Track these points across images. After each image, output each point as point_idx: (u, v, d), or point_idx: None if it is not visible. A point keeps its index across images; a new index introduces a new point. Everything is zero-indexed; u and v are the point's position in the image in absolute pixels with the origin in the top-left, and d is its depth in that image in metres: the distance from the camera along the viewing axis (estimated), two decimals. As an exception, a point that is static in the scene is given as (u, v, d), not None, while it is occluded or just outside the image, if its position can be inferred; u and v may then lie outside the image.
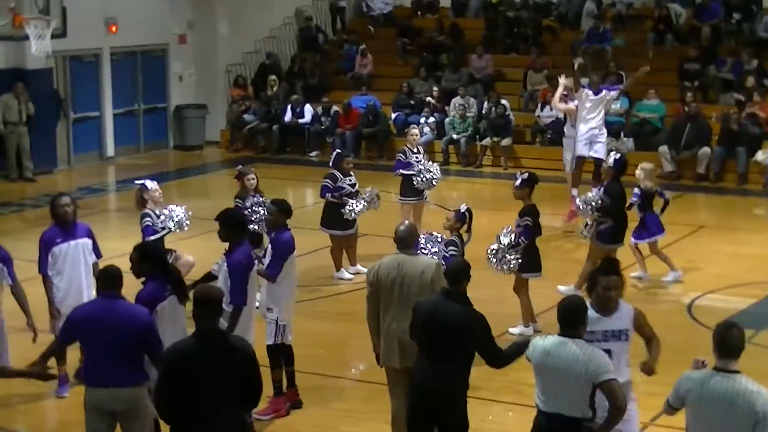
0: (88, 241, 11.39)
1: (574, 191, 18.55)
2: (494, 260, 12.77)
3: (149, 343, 8.50)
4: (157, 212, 12.90)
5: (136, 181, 13.29)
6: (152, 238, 12.48)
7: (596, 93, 19.12)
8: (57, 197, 11.45)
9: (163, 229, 12.76)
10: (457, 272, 8.70)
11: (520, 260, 12.78)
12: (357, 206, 15.47)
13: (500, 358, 8.70)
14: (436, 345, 8.48)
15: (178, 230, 13.02)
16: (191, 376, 7.46)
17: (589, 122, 18.93)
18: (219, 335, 7.72)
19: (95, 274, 10.76)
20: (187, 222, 13.13)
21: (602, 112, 18.98)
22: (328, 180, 15.69)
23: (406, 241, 9.74)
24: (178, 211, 13.02)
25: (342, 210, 15.49)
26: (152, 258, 9.45)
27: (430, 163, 17.02)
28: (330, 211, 15.76)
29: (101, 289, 8.80)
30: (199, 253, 14.11)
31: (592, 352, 7.52)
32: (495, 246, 12.79)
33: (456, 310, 8.51)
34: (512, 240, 12.76)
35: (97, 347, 8.54)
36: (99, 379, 8.53)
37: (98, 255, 11.49)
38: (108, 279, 8.75)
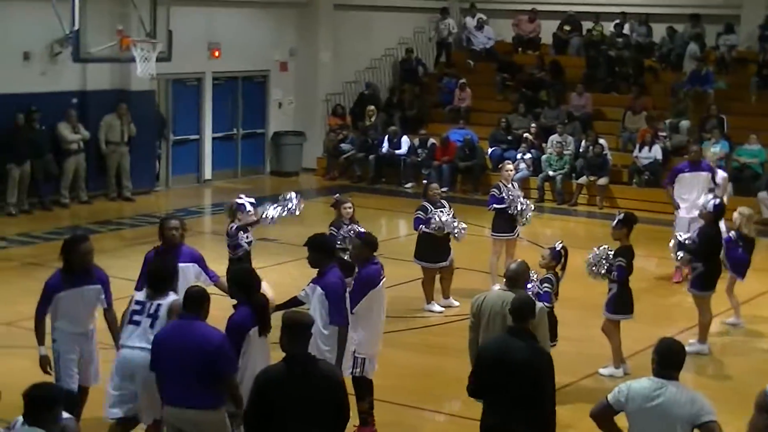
0: (190, 266, 11.24)
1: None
2: (593, 264, 12.90)
3: (219, 364, 8.55)
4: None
5: (238, 200, 13.43)
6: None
7: (692, 169, 17.94)
8: (166, 219, 11.50)
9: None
10: (522, 309, 8.57)
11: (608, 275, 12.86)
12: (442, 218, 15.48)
13: (548, 406, 8.43)
14: (504, 383, 8.31)
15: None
16: (280, 401, 7.49)
17: (685, 202, 17.79)
18: (309, 360, 7.73)
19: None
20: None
21: (702, 192, 17.22)
22: (420, 212, 15.69)
23: (516, 280, 9.63)
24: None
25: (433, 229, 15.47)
26: (239, 284, 9.48)
27: (524, 199, 16.82)
28: (423, 243, 15.75)
29: (184, 309, 8.88)
30: (293, 280, 14.20)
31: (693, 393, 7.44)
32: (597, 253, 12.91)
33: (521, 345, 8.38)
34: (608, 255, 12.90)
35: (170, 367, 8.64)
36: (171, 398, 8.68)
37: (212, 278, 11.31)
38: (188, 301, 8.84)
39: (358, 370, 10.96)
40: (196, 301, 8.81)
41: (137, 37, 21.04)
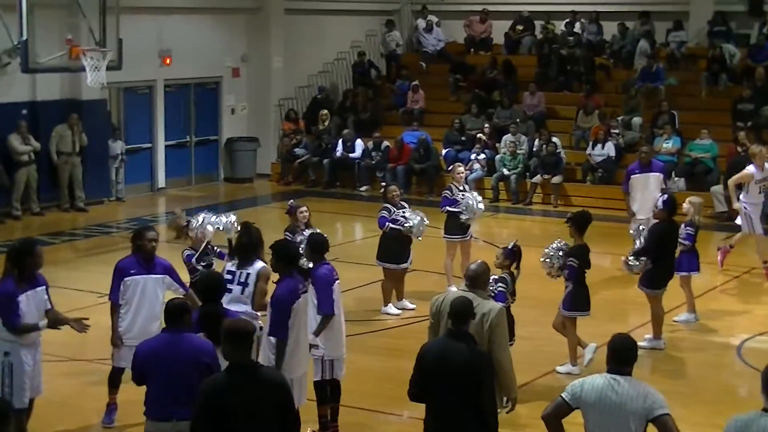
0: (163, 278, 11.28)
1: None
2: (547, 260, 12.95)
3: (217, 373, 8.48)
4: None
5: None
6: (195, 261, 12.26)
7: (642, 171, 18.14)
8: (144, 230, 11.40)
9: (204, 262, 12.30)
10: (461, 311, 8.54)
11: (563, 270, 12.92)
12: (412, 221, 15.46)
13: (489, 407, 8.37)
14: (445, 386, 8.28)
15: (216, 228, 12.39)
16: (225, 411, 7.40)
17: (636, 204, 18.02)
18: (250, 368, 7.62)
19: None
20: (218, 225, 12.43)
21: (653, 194, 17.17)
22: (384, 212, 15.64)
23: (476, 281, 9.53)
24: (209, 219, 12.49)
25: (403, 229, 15.44)
26: (200, 288, 9.60)
27: (473, 194, 16.84)
28: (387, 244, 15.68)
29: (166, 324, 8.79)
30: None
31: (646, 388, 7.46)
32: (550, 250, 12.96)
33: (461, 348, 8.34)
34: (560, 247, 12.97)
35: (161, 381, 8.52)
36: (163, 413, 8.53)
37: (185, 288, 11.40)
38: (172, 313, 8.74)
39: (327, 374, 10.95)
40: (178, 313, 8.70)
41: (87, 46, 20.88)
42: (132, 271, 11.16)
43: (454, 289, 13.85)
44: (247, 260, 10.91)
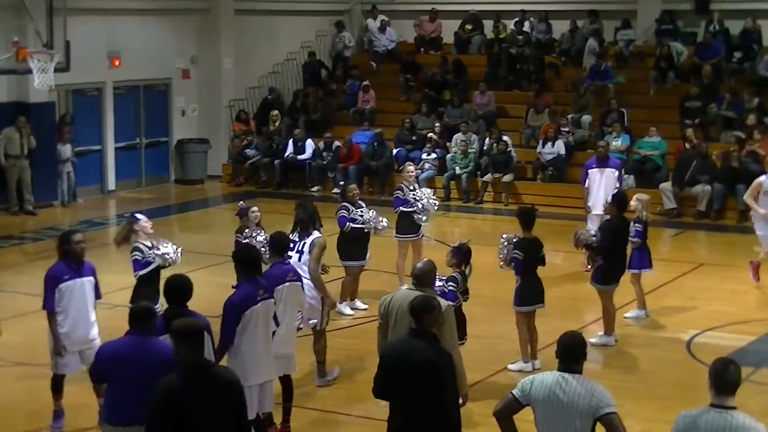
0: (92, 280, 11.21)
1: None
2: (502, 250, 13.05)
3: None
4: (148, 244, 11.96)
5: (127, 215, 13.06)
6: (143, 272, 11.79)
7: (599, 166, 18.25)
8: (70, 234, 11.25)
9: (150, 263, 11.86)
10: (422, 309, 8.54)
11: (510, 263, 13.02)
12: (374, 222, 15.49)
13: (451, 406, 8.32)
14: (407, 384, 8.25)
15: (167, 265, 11.92)
16: (179, 411, 7.36)
17: (592, 199, 18.17)
18: (203, 368, 7.58)
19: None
20: (174, 258, 11.99)
21: (609, 189, 17.51)
22: (343, 211, 15.53)
23: (423, 279, 9.55)
24: (168, 248, 12.01)
25: (372, 230, 15.47)
26: (165, 290, 9.45)
27: (425, 191, 16.88)
28: (347, 243, 15.56)
29: (132, 327, 8.62)
30: (199, 287, 14.02)
31: (593, 386, 7.47)
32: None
33: (422, 346, 8.32)
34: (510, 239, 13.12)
35: (124, 385, 8.39)
36: (124, 418, 8.38)
37: (98, 296, 11.32)
38: (138, 316, 8.62)
39: None
40: (143, 317, 8.60)
41: (34, 48, 20.71)
42: (65, 277, 10.98)
43: (404, 287, 13.90)
44: (305, 232, 12.63)
